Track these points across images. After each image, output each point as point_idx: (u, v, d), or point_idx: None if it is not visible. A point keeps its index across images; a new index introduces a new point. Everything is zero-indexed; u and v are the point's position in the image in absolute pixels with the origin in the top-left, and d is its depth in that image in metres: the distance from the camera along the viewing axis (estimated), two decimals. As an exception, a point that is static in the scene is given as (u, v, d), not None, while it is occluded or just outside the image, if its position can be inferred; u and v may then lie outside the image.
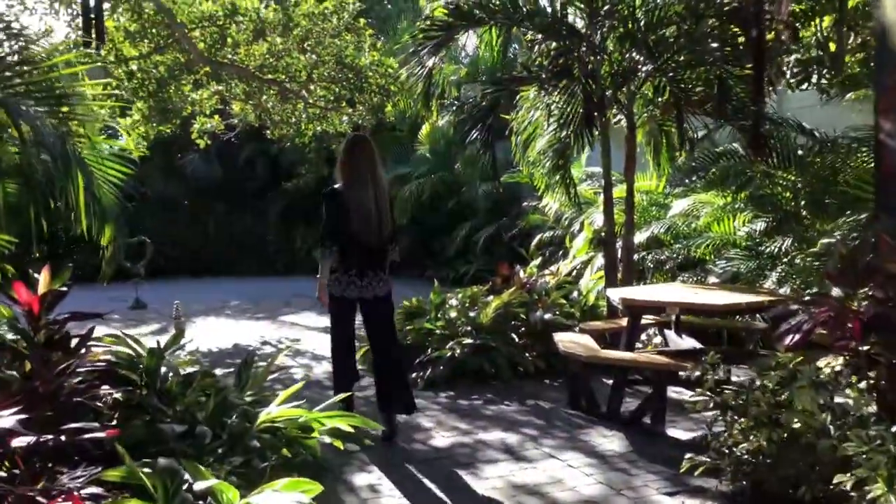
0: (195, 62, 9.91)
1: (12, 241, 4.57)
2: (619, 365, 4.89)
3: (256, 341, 7.99)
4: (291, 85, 10.71)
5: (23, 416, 2.70)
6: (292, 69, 10.48)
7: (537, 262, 8.77)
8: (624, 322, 5.67)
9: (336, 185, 4.68)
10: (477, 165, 8.59)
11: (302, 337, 8.15)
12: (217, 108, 11.40)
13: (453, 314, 6.61)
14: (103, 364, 4.06)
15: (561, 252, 8.76)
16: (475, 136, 6.04)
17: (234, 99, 11.13)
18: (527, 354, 6.21)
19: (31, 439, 2.65)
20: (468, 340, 5.99)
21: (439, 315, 6.64)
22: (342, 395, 4.26)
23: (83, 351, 4.31)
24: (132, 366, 4.17)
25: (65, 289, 4.32)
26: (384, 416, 4.68)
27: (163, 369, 4.05)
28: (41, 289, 4.23)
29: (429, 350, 6.15)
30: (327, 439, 3.59)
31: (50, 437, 2.73)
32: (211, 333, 8.54)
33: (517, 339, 6.28)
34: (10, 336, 4.11)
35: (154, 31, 9.55)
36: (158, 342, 4.15)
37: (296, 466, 3.44)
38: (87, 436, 2.81)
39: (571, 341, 5.27)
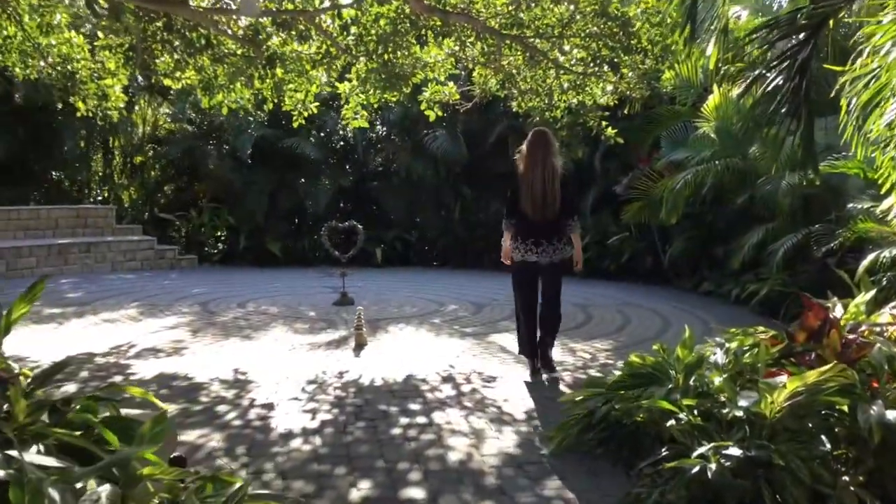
0: (420, 13, 8.03)
1: None
2: None
3: (440, 372, 5.92)
4: (540, 43, 8.46)
5: None
6: (541, 23, 8.21)
7: (868, 295, 5.60)
8: None
9: (519, 171, 5.70)
10: (779, 144, 5.65)
11: (504, 375, 5.90)
12: (452, 74, 9.55)
13: (715, 381, 3.99)
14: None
15: (914, 287, 5.51)
16: (777, 81, 3.28)
17: (470, 62, 9.17)
18: (845, 479, 3.40)
19: None
20: (734, 450, 3.32)
21: (689, 384, 4.03)
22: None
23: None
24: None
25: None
26: (541, 353, 5.82)
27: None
28: None
29: (664, 450, 3.61)
30: None
31: None
32: (394, 352, 6.66)
33: (829, 452, 3.49)
34: None
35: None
36: None
37: None
38: None
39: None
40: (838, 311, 5.31)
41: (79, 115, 9.13)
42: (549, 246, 5.62)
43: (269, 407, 4.88)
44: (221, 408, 4.84)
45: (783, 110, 3.26)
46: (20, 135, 13.57)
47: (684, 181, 9.61)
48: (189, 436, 4.27)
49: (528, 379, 5.70)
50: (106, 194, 15.64)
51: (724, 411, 3.71)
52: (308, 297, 9.96)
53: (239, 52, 8.44)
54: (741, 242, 9.46)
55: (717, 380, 4.04)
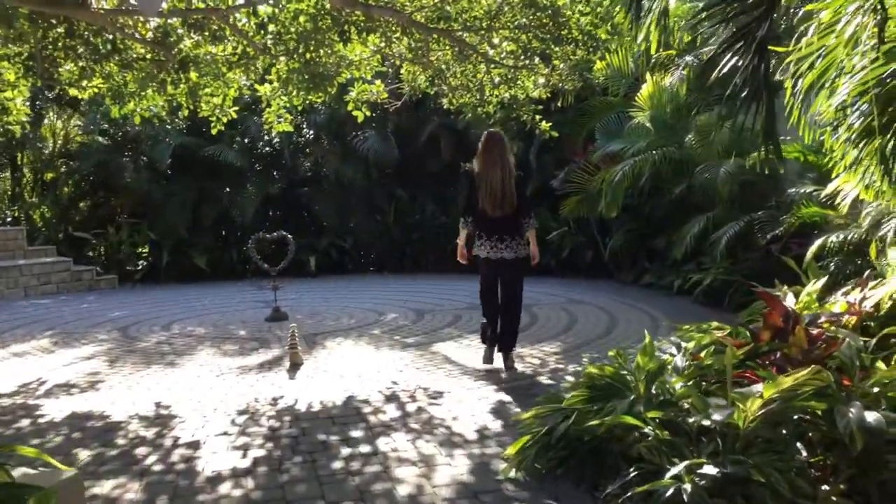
0: (341, 8, 7.58)
1: None
2: None
3: (382, 390, 5.52)
4: (469, 37, 8.13)
5: None
6: (469, 15, 7.88)
7: (818, 283, 5.44)
8: None
9: (475, 169, 5.93)
10: (719, 131, 5.41)
11: (451, 389, 5.53)
12: (379, 71, 9.13)
13: (677, 388, 3.73)
14: None
15: (868, 272, 5.34)
16: (732, 61, 3.01)
17: (397, 58, 8.76)
18: (826, 489, 3.16)
19: None
20: (709, 468, 3.04)
21: (652, 393, 3.75)
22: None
23: None
24: None
25: None
26: (502, 354, 6.07)
27: None
28: None
29: (632, 470, 3.31)
30: None
31: None
32: (332, 370, 6.23)
33: (806, 460, 3.25)
34: None
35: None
36: None
37: None
38: None
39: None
40: (790, 300, 5.14)
41: (-22, 131, 8.37)
42: (512, 241, 5.88)
43: (195, 446, 4.40)
44: (141, 450, 4.33)
45: (743, 94, 3.00)
46: (-84, 155, 12.59)
47: (623, 173, 9.42)
48: (103, 488, 3.77)
49: (481, 366, 6.10)
50: (16, 214, 14.66)
51: (691, 420, 3.44)
52: (238, 313, 9.41)
53: (148, 56, 7.88)
54: (683, 233, 9.33)
55: (679, 385, 3.78)
